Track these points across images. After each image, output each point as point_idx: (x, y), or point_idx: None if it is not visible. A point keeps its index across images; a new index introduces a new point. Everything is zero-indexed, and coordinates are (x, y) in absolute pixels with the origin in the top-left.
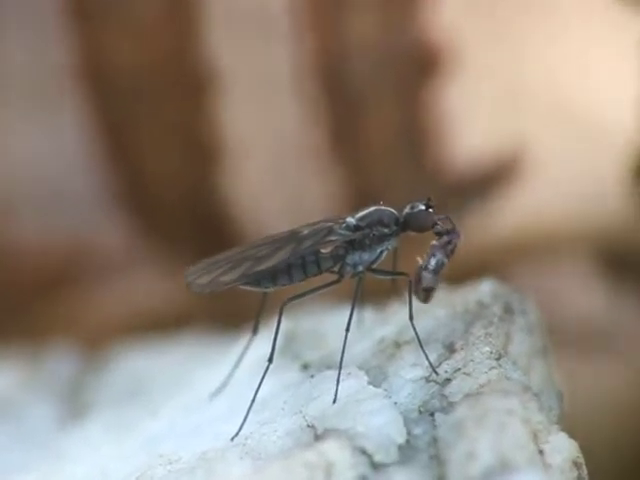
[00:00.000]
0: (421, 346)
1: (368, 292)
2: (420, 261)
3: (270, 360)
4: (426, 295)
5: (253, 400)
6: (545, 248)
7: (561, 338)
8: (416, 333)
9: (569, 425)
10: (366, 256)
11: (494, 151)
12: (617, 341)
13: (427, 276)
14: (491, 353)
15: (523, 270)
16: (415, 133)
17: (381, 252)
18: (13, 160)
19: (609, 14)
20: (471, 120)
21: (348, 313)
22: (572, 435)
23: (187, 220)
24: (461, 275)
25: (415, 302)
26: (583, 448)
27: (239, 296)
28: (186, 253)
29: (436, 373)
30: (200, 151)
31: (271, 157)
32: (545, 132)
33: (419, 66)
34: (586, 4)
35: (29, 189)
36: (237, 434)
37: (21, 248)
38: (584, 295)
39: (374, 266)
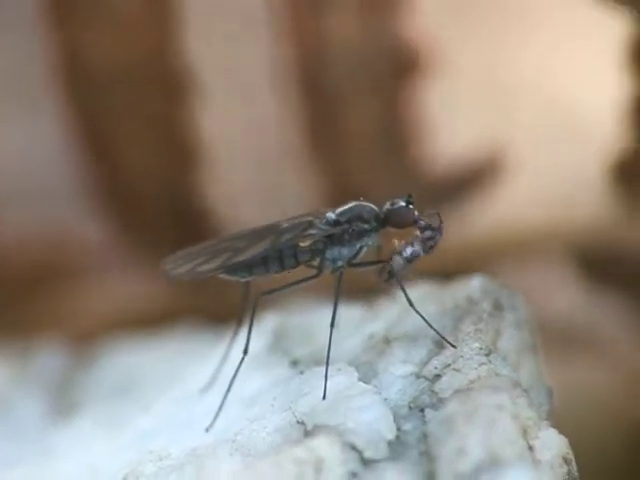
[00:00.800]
0: (430, 325)
1: (357, 289)
2: (397, 244)
3: (245, 352)
4: (388, 278)
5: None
6: (525, 247)
7: (541, 337)
8: (421, 315)
9: (558, 422)
10: (345, 251)
11: (474, 150)
12: (597, 340)
13: (398, 260)
14: (481, 349)
15: (503, 269)
16: (395, 133)
17: (360, 247)
18: None
19: (590, 12)
20: (451, 120)
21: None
22: (562, 431)
23: (166, 216)
24: (441, 273)
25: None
26: (572, 444)
27: (225, 290)
28: (166, 249)
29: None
30: (179, 148)
31: (250, 155)
32: (525, 132)
33: (399, 66)
34: (566, 2)
35: (10, 185)
36: (211, 425)
37: (4, 244)
38: (564, 294)
39: (354, 262)
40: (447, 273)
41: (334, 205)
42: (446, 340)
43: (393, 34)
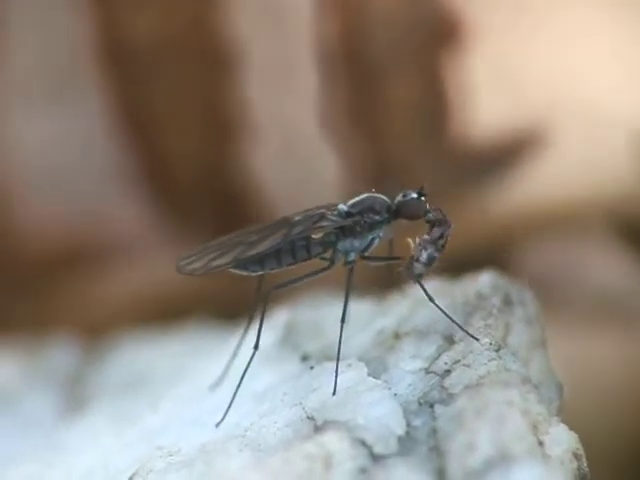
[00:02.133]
0: (453, 320)
1: (367, 283)
2: (412, 244)
3: (256, 347)
4: (417, 280)
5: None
6: (562, 221)
7: (580, 311)
8: (443, 311)
9: (570, 415)
10: (357, 243)
11: (512, 125)
12: (636, 310)
13: (418, 266)
14: (490, 344)
15: (541, 243)
16: (435, 107)
17: (372, 239)
18: (29, 140)
19: None
20: (489, 93)
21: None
22: (572, 427)
23: (204, 199)
24: (479, 248)
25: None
26: (583, 438)
27: (236, 286)
28: (202, 233)
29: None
30: (219, 128)
31: (290, 132)
32: (561, 108)
33: (439, 38)
34: None
35: (45, 166)
36: (222, 421)
37: (29, 230)
38: (603, 266)
39: (366, 254)
40: (484, 249)
41: (373, 177)
42: (469, 334)
43: (433, 5)
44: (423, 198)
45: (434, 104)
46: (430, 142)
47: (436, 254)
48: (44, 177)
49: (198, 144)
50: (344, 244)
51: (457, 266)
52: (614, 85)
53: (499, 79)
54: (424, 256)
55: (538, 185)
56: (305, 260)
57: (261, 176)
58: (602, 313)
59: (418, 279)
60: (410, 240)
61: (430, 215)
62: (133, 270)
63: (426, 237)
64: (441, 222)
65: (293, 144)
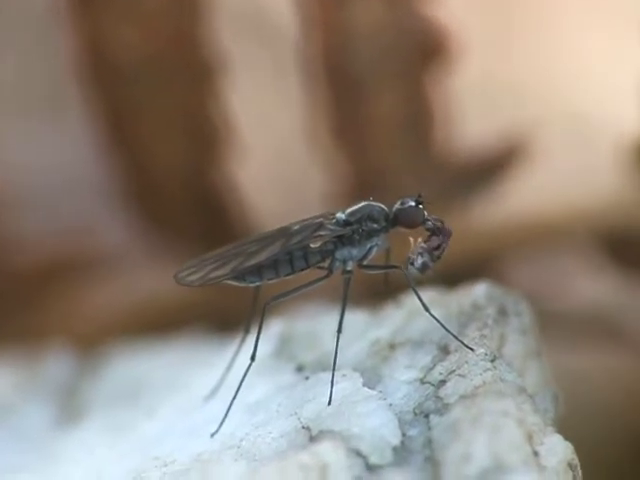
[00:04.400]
0: (448, 330)
1: (362, 294)
2: (412, 244)
3: (252, 358)
4: (417, 273)
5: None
6: (550, 234)
7: (567, 325)
8: (438, 321)
9: (565, 425)
10: (355, 251)
11: (497, 138)
12: (623, 325)
13: (413, 270)
14: (486, 355)
15: (528, 256)
16: (420, 121)
17: (370, 248)
18: (16, 157)
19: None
20: (474, 107)
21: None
22: (567, 437)
23: (190, 213)
24: (466, 262)
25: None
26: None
27: (236, 297)
28: (188, 244)
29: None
30: (203, 139)
31: (275, 145)
32: (546, 122)
33: (423, 52)
34: None
35: (33, 182)
36: (217, 432)
37: (19, 245)
38: (589, 280)
39: (364, 262)
40: (472, 262)
41: (357, 192)
42: (464, 344)
43: (417, 19)
44: (421, 206)
45: (419, 119)
46: (416, 157)
47: (430, 263)
48: (32, 192)
49: (183, 158)
50: (342, 253)
51: (444, 278)
52: (600, 98)
53: (485, 93)
54: (419, 262)
55: (524, 198)
56: (303, 270)
57: (247, 190)
58: (589, 326)
59: (413, 283)
60: (411, 239)
61: (429, 223)
62: (122, 282)
63: (424, 245)
64: (440, 231)
65: (278, 158)
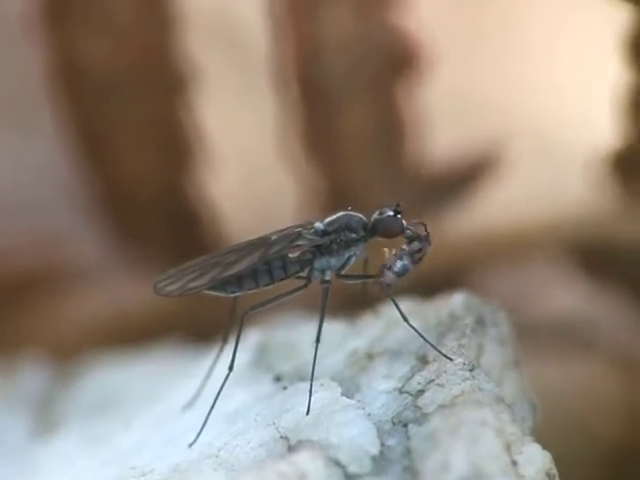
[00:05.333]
0: (425, 339)
1: (340, 304)
2: (387, 254)
3: (230, 368)
4: (386, 290)
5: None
6: (523, 245)
7: (539, 337)
8: (416, 330)
9: (542, 435)
10: (334, 261)
11: (468, 150)
12: (596, 336)
13: (390, 275)
14: (464, 364)
15: (500, 267)
16: (391, 132)
17: (349, 257)
18: None
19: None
20: (446, 118)
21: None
22: (545, 446)
23: (162, 224)
24: (437, 273)
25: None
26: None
27: (212, 307)
28: (162, 256)
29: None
30: (175, 152)
31: (246, 157)
32: (516, 133)
33: (395, 64)
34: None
35: (1, 194)
36: (195, 441)
37: None
38: (561, 291)
39: (343, 272)
40: (444, 273)
41: (329, 204)
42: (442, 354)
43: (389, 31)
44: (399, 215)
45: (390, 131)
46: (387, 168)
47: (411, 266)
48: (3, 204)
49: (156, 170)
50: (321, 262)
51: (416, 289)
52: (573, 109)
53: (455, 104)
54: (398, 265)
55: (495, 210)
56: (282, 279)
57: (219, 201)
58: (560, 337)
59: (387, 290)
60: (386, 250)
61: (409, 232)
62: (96, 293)
63: (404, 247)
64: (420, 238)
65: (250, 170)
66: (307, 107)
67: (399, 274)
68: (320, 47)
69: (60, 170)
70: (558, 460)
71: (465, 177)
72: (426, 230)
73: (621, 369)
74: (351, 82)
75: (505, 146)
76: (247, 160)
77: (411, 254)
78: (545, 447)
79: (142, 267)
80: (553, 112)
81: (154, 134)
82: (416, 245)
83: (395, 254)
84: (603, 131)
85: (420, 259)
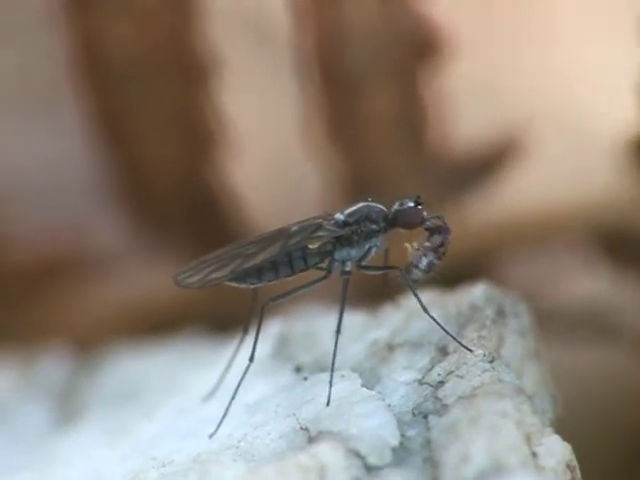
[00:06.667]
0: (446, 331)
1: (360, 295)
2: (410, 249)
3: (251, 359)
4: (414, 286)
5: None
6: (546, 231)
7: (563, 323)
8: (437, 322)
9: (563, 426)
10: (354, 252)
11: (493, 134)
12: (618, 322)
13: (417, 273)
14: (484, 356)
15: (524, 253)
16: (414, 118)
17: (369, 248)
18: (9, 156)
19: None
20: (469, 104)
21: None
22: (566, 438)
23: (184, 212)
24: (462, 260)
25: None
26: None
27: (233, 297)
28: (183, 244)
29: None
30: (197, 138)
31: (269, 144)
32: (541, 119)
33: (417, 50)
34: None
35: (27, 180)
36: (215, 432)
37: (12, 244)
38: (585, 278)
39: (363, 263)
40: (467, 259)
41: (352, 191)
42: (463, 345)
43: (411, 18)
44: (420, 207)
45: (413, 117)
46: (410, 154)
47: (436, 261)
48: (25, 191)
49: (177, 157)
50: (341, 253)
51: (439, 276)
52: (597, 95)
53: (480, 90)
54: (424, 262)
55: (520, 196)
56: (303, 271)
57: (242, 189)
58: (585, 323)
59: (415, 285)
60: (408, 245)
61: (429, 223)
62: (118, 282)
63: (427, 244)
64: (441, 229)
65: (274, 158)
66: (330, 93)
67: (426, 271)
68: (343, 33)
69: (82, 156)
70: (580, 449)
71: (488, 163)
72: (445, 222)
73: None
74: (374, 68)
75: (528, 132)
76: (270, 147)
77: (434, 250)
78: (566, 437)
79: (163, 255)
80: (577, 98)
81: (176, 120)
82: (437, 239)
83: (419, 250)
84: (626, 116)
85: (444, 253)
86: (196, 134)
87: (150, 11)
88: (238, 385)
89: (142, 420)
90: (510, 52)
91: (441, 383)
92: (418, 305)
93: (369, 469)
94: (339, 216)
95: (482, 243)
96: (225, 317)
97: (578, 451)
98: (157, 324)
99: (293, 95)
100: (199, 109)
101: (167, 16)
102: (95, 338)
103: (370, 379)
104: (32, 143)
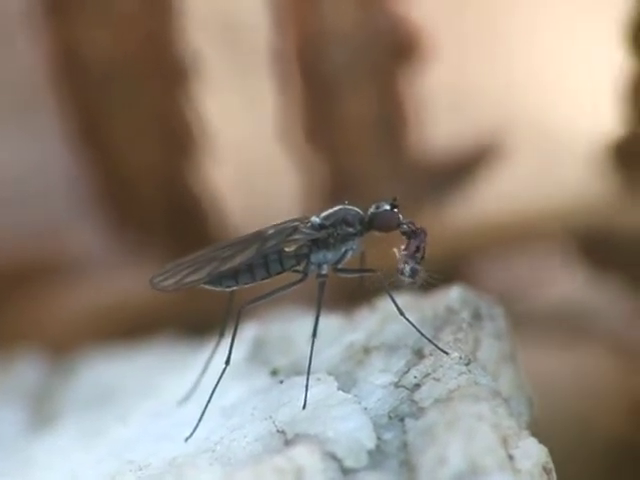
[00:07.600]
0: (422, 334)
1: (337, 298)
2: (397, 254)
3: (227, 362)
4: (409, 278)
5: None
6: (524, 233)
7: (538, 325)
8: (413, 325)
9: (539, 426)
10: (330, 255)
11: (469, 139)
12: (596, 324)
13: (405, 280)
14: (460, 359)
15: (502, 255)
16: (392, 122)
17: (345, 251)
18: None
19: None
20: (446, 108)
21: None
22: (542, 440)
23: (162, 212)
24: (439, 263)
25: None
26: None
27: (208, 301)
28: (161, 247)
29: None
30: (176, 142)
31: (248, 147)
32: (517, 122)
33: (396, 52)
34: None
35: (1, 186)
36: (191, 436)
37: None
38: (561, 280)
39: (339, 266)
40: (444, 262)
41: (330, 193)
42: (439, 348)
43: (389, 20)
44: (396, 210)
45: (391, 119)
46: (388, 157)
47: (417, 266)
48: (2, 192)
49: (156, 160)
50: (317, 256)
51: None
52: (575, 98)
53: (456, 93)
54: (407, 270)
55: (497, 198)
56: (279, 273)
57: (220, 192)
58: (560, 325)
59: (391, 288)
60: (395, 250)
61: (404, 227)
62: (94, 285)
63: (404, 252)
64: (415, 233)
65: (252, 160)
66: (308, 96)
67: (412, 276)
68: (321, 35)
69: (60, 160)
70: (555, 453)
71: (466, 166)
72: (415, 225)
73: (619, 359)
74: (352, 70)
75: (505, 135)
76: (248, 150)
77: (412, 256)
78: (542, 440)
79: (142, 259)
80: (554, 101)
81: (155, 124)
82: (413, 244)
83: (401, 258)
84: (603, 119)
85: (422, 257)
86: (175, 137)
87: (128, 15)
88: (214, 388)
89: (117, 424)
90: (487, 55)
91: (417, 386)
92: (394, 308)
93: (345, 472)
94: (315, 219)
95: (459, 246)
96: (201, 320)
97: (554, 453)
98: (133, 327)
99: (272, 98)
100: (178, 113)
101: (146, 20)
102: (70, 342)
103: (346, 382)
104: (10, 146)
